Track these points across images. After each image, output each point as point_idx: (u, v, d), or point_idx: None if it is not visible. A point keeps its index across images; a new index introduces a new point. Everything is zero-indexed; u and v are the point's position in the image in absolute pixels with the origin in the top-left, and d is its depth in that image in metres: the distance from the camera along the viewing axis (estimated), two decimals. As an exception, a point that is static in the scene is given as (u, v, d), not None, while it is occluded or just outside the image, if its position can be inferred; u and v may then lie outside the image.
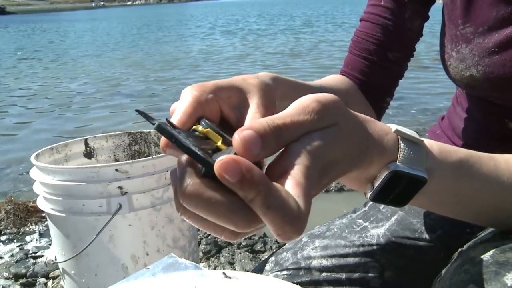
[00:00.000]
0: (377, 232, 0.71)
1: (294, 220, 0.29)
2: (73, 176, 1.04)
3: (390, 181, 0.38)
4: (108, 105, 4.69)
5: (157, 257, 1.14)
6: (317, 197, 0.35)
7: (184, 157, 0.32)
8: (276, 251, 0.75)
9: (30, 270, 1.70)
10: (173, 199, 0.34)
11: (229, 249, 1.78)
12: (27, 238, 1.97)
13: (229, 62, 7.33)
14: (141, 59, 8.34)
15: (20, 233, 2.01)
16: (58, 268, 1.61)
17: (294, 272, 0.69)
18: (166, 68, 7.07)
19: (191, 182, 0.30)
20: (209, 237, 1.84)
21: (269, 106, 0.42)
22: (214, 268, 1.65)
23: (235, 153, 0.30)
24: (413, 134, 0.40)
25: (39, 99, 5.26)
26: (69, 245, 1.12)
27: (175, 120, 0.38)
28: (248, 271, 0.79)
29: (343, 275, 0.68)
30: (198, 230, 1.71)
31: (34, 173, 1.12)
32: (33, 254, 1.83)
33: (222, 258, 1.73)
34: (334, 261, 0.69)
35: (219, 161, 0.28)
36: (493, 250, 0.41)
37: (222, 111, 0.41)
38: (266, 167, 0.34)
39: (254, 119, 0.40)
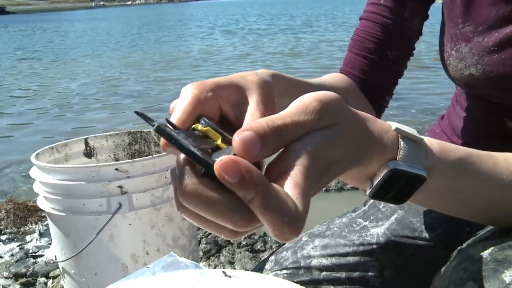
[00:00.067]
0: (377, 231, 0.71)
1: (292, 221, 0.29)
2: (73, 175, 1.04)
3: (390, 179, 0.38)
4: (107, 106, 4.69)
5: (157, 256, 1.14)
6: (317, 196, 0.35)
7: (183, 156, 0.32)
8: (276, 250, 0.75)
9: (30, 269, 1.70)
10: (173, 198, 0.34)
11: (229, 249, 1.78)
12: (27, 237, 1.97)
13: (229, 62, 7.33)
14: (141, 59, 8.34)
15: (20, 233, 2.01)
16: (58, 268, 1.61)
17: (294, 271, 0.69)
18: (166, 68, 7.06)
19: (190, 181, 0.30)
20: (209, 237, 1.84)
21: (268, 103, 0.42)
22: (214, 267, 1.65)
23: (234, 153, 0.30)
24: (413, 132, 0.40)
25: (38, 99, 5.26)
26: (69, 245, 1.12)
27: (174, 118, 0.38)
28: (248, 270, 0.79)
29: (343, 274, 0.68)
30: (198, 229, 1.71)
31: (34, 172, 1.12)
32: (33, 254, 1.83)
33: (222, 257, 1.73)
34: (334, 260, 0.69)
35: (219, 162, 0.28)
36: (492, 247, 0.41)
37: (222, 109, 0.41)
38: (265, 167, 0.34)
39: (253, 117, 0.40)
